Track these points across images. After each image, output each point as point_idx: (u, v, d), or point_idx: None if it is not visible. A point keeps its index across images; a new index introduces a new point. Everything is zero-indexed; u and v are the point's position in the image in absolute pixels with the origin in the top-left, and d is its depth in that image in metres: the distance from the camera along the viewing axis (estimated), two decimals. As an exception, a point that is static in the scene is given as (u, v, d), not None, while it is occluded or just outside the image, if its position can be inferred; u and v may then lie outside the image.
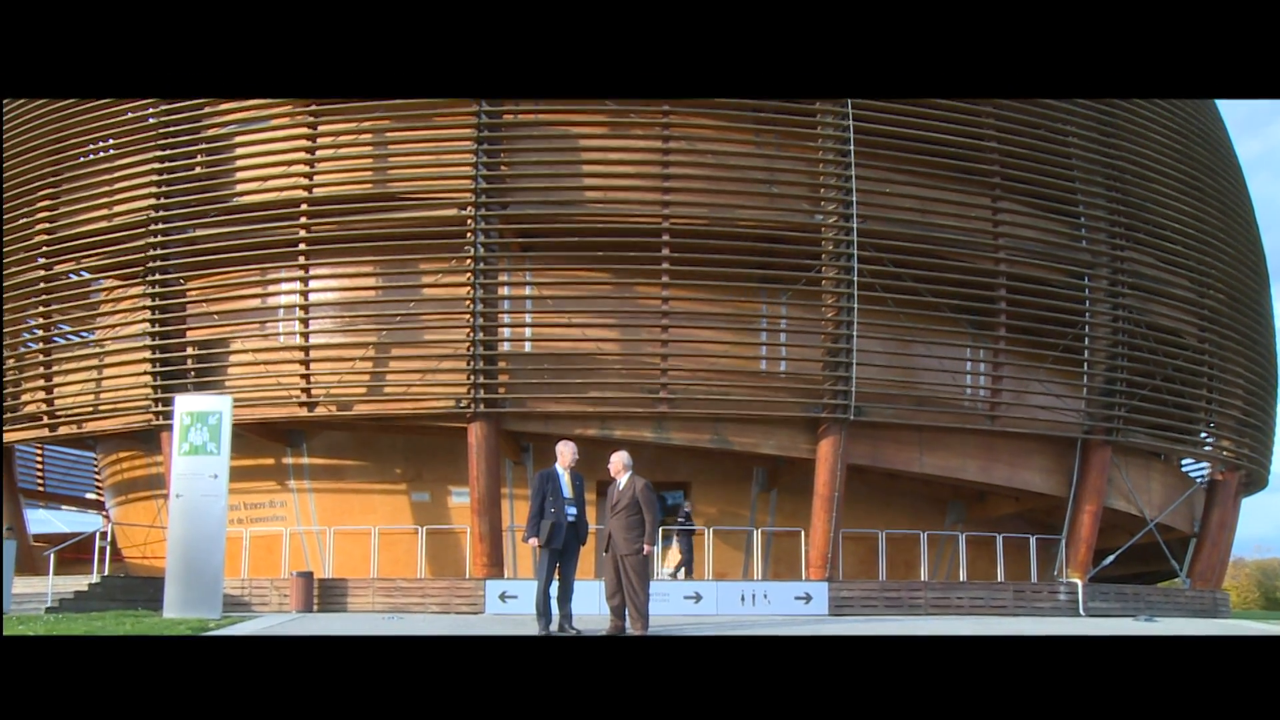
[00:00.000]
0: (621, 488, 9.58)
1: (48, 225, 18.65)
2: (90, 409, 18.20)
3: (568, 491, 9.68)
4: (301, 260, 16.92)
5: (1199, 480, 21.91)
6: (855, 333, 16.50)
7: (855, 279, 16.48)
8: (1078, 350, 18.10)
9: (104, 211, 18.15)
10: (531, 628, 9.61)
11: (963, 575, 17.85)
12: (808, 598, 16.05)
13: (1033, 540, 17.98)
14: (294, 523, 18.44)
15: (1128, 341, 18.29)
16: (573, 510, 9.64)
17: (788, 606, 15.81)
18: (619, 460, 9.74)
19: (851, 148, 16.57)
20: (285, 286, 17.58)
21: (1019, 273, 17.70)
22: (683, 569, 17.45)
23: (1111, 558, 18.99)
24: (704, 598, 15.70)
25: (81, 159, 18.87)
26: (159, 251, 17.43)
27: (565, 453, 9.82)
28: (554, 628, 9.48)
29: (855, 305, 16.51)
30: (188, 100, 17.27)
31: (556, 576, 9.67)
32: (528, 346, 17.30)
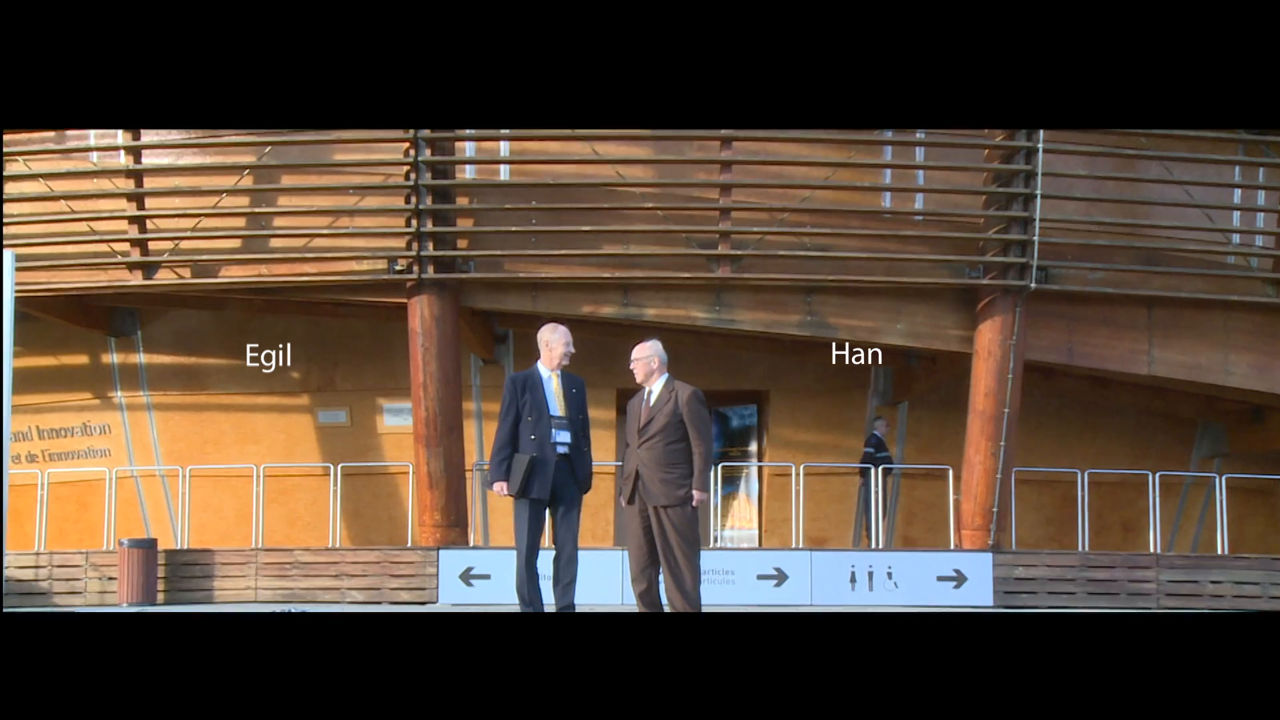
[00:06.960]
0: (654, 400, 9.51)
1: None
2: None
3: (557, 407, 9.67)
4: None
5: None
6: (1041, 145, 16.36)
7: (1041, 55, 16.15)
8: None
9: None
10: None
11: (1222, 545, 17.95)
12: (959, 578, 16.43)
13: (1345, 490, 18.68)
14: (123, 460, 19.07)
15: None
16: (565, 436, 9.64)
17: (926, 593, 16.29)
18: (648, 356, 9.59)
19: None
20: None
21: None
22: (869, 528, 18.28)
23: None
24: (790, 578, 16.38)
25: None
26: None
27: (554, 344, 9.78)
28: (547, 623, 9.92)
29: (1039, 100, 16.26)
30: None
31: (549, 543, 9.74)
32: (503, 173, 17.54)
